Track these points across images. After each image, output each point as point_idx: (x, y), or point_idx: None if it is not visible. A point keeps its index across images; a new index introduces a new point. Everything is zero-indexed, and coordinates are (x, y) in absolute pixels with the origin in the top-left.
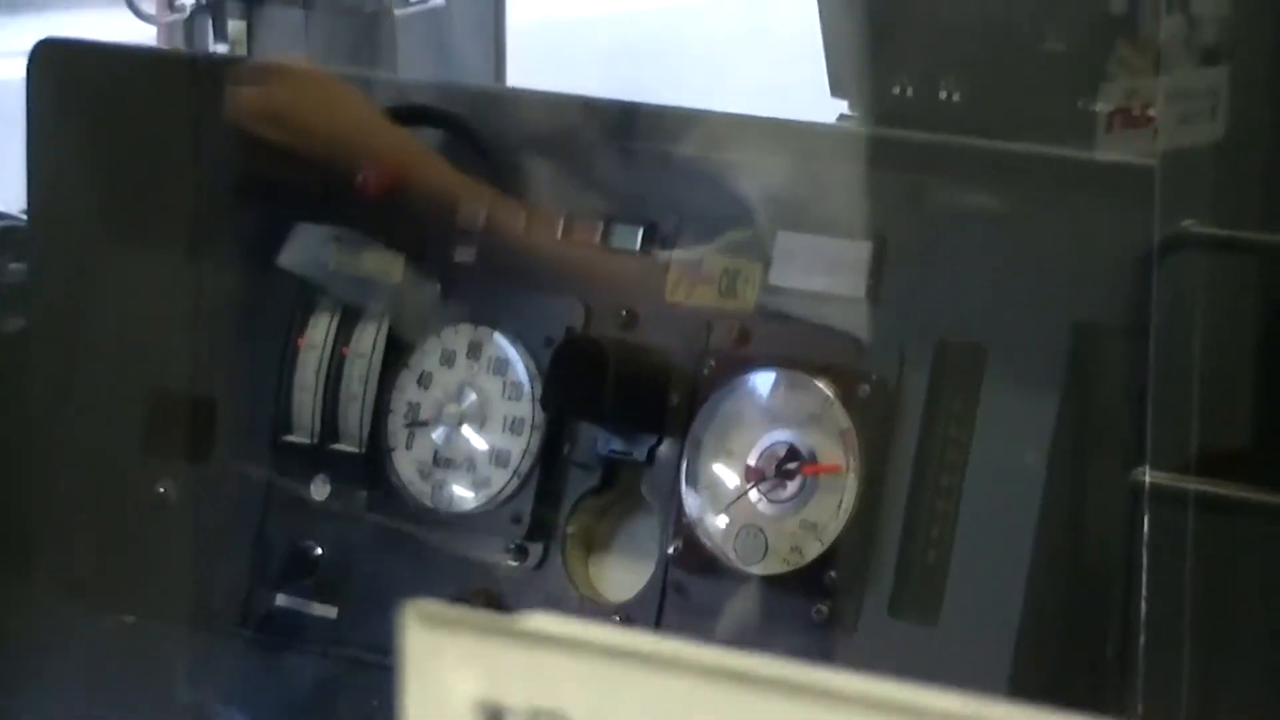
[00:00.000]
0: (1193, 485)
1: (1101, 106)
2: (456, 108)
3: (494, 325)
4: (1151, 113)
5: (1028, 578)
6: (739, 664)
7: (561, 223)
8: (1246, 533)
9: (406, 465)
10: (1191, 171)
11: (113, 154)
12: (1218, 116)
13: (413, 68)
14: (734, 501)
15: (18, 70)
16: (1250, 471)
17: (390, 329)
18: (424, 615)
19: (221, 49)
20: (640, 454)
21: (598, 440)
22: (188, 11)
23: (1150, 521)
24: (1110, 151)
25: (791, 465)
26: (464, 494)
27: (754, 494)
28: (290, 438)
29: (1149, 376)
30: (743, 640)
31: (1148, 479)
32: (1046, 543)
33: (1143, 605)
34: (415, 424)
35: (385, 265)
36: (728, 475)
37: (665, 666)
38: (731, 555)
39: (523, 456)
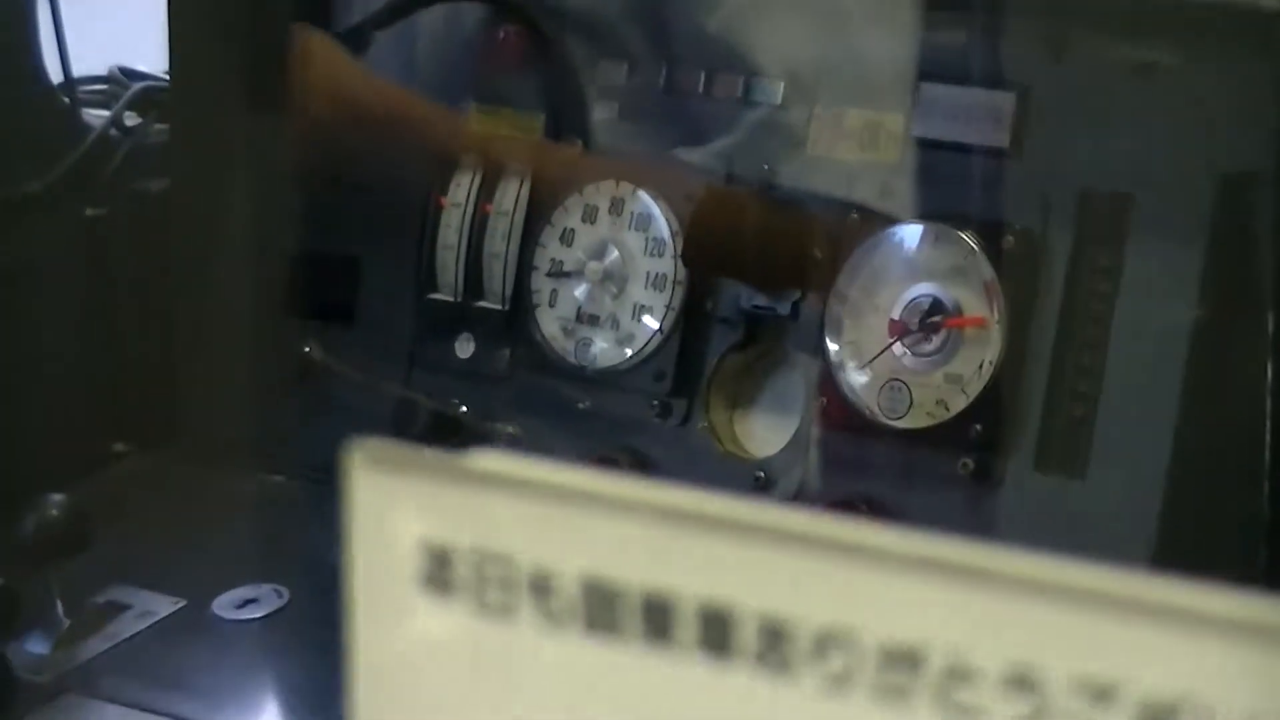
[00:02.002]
0: None
1: None
2: None
3: (636, 181)
4: None
5: (1175, 432)
6: (693, 504)
7: (703, 77)
8: None
9: (550, 322)
10: None
11: (253, 14)
12: None
13: None
14: (878, 355)
15: None
16: None
17: (533, 186)
18: (370, 456)
19: None
20: (784, 309)
21: (740, 296)
22: None
23: None
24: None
25: (935, 318)
26: (607, 351)
27: (898, 348)
28: (435, 296)
29: None
30: (888, 494)
31: None
32: (1194, 396)
33: None
34: (559, 274)
35: (525, 125)
36: (871, 329)
37: (616, 509)
38: (876, 410)
39: (665, 312)
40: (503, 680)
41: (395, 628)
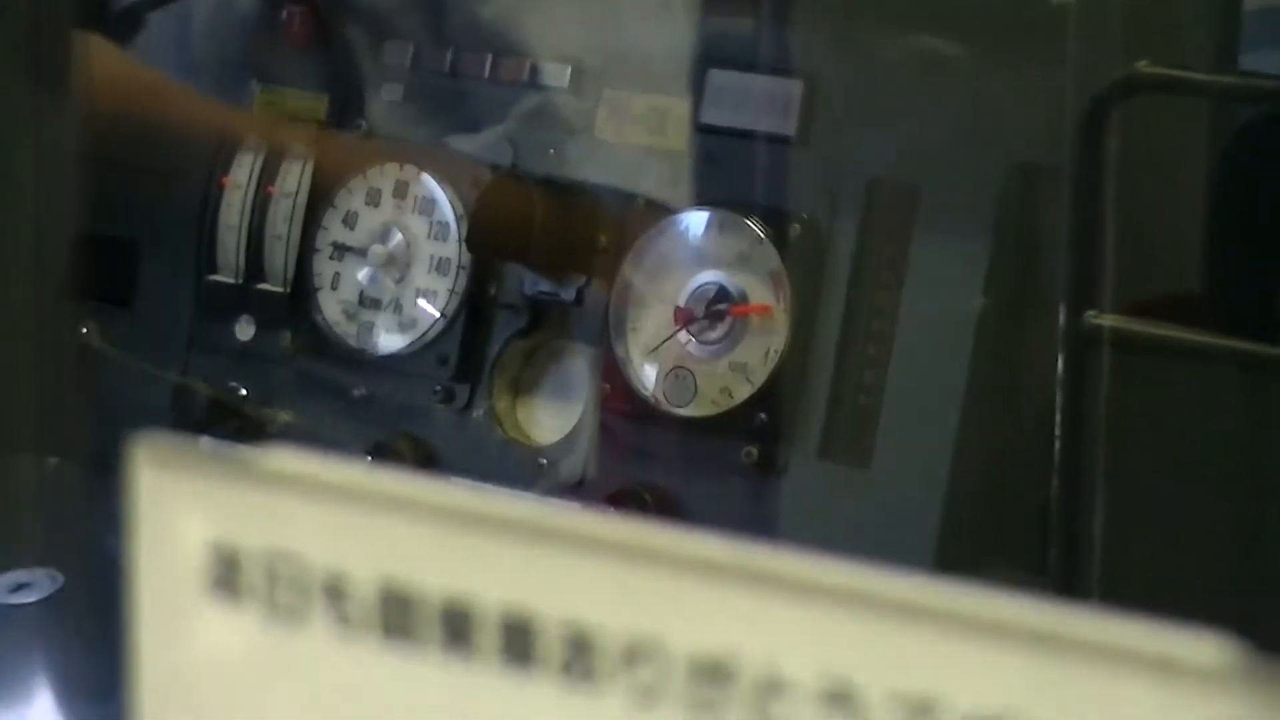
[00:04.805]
0: (1152, 329)
1: None
2: None
3: (420, 164)
4: None
5: (959, 422)
6: (481, 506)
7: (489, 60)
8: (1197, 379)
9: (332, 306)
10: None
11: None
12: None
13: None
14: (663, 343)
15: None
16: (1192, 318)
17: (316, 168)
18: (154, 454)
19: None
20: (568, 295)
21: (525, 281)
22: None
23: (1093, 365)
24: None
25: (721, 306)
26: (390, 336)
27: (683, 335)
28: (215, 277)
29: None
30: (671, 483)
31: (1105, 323)
32: (978, 387)
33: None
34: (342, 249)
35: (310, 107)
36: (657, 317)
37: (414, 510)
38: (660, 398)
39: (449, 297)
40: (296, 690)
41: (182, 634)
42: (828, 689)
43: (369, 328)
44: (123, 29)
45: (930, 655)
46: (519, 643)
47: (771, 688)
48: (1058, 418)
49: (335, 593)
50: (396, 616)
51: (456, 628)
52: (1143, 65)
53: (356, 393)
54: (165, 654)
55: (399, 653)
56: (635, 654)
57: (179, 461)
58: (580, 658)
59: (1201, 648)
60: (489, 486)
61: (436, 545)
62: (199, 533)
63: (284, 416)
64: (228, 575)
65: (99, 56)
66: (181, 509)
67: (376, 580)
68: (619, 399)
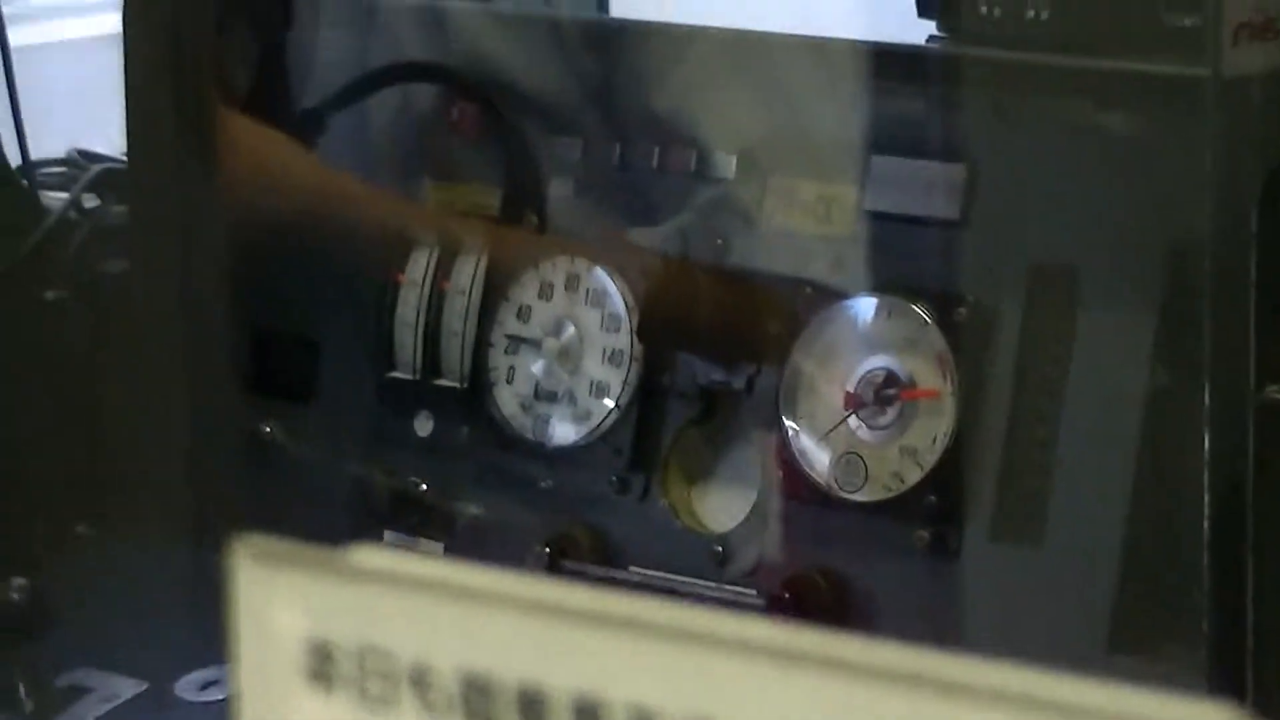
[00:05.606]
0: None
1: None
2: (549, 39)
3: (591, 257)
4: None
5: (1130, 499)
6: (569, 599)
7: (657, 152)
8: None
9: (508, 399)
10: None
11: (209, 93)
12: None
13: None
14: (833, 429)
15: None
16: None
17: (489, 263)
18: (255, 551)
19: None
20: (739, 383)
21: (697, 370)
22: None
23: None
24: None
25: (890, 391)
26: (565, 427)
27: (853, 420)
28: (393, 374)
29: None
30: (845, 567)
31: None
32: (1147, 464)
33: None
34: (517, 340)
35: (482, 201)
36: (827, 402)
37: (493, 602)
38: (832, 483)
39: (622, 388)
40: None
41: None
42: None
43: (544, 420)
44: (306, 130)
45: None
46: None
47: None
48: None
49: (420, 682)
50: (476, 702)
51: (532, 712)
52: None
53: (534, 485)
54: None
55: None
56: None
57: (276, 558)
58: None
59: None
60: (666, 575)
61: (512, 634)
62: (297, 628)
63: (463, 510)
64: (322, 667)
65: (285, 157)
66: (279, 603)
67: (457, 669)
68: (792, 485)
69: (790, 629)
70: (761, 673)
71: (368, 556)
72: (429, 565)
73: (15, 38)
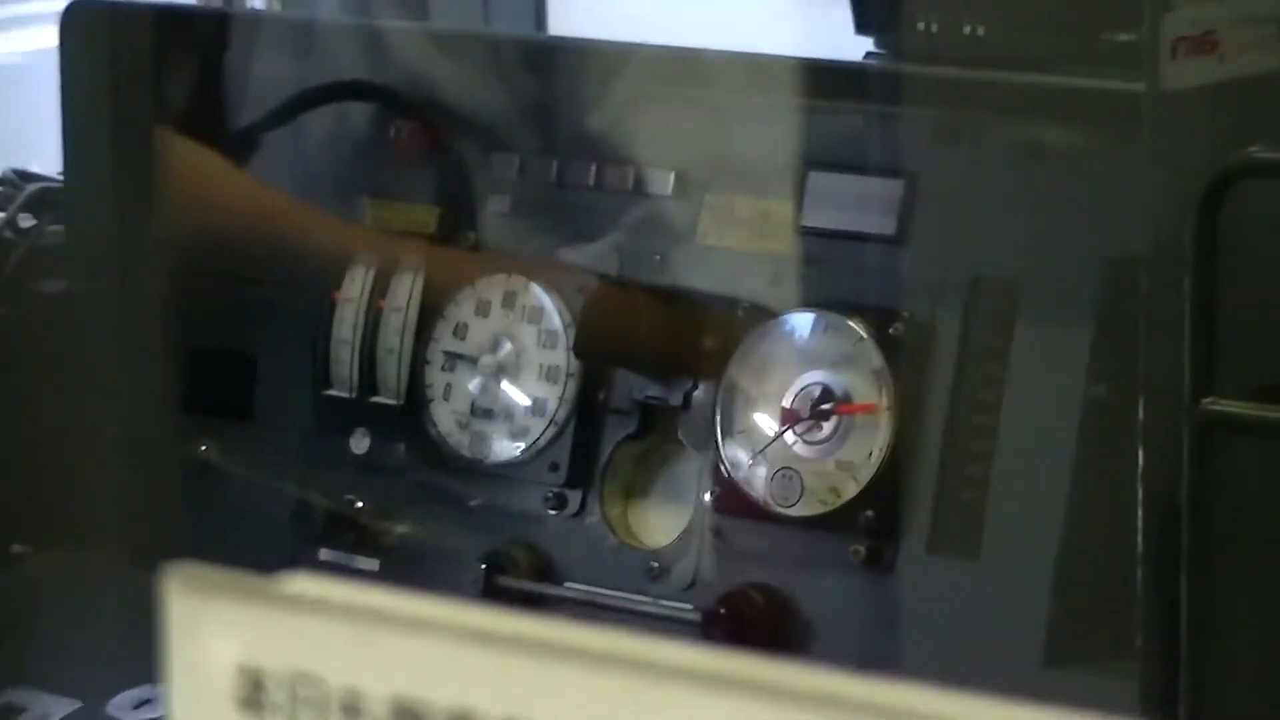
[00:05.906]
0: (1271, 414)
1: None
2: (487, 57)
3: (528, 274)
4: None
5: (1066, 512)
6: (499, 625)
7: (594, 169)
8: None
9: (444, 417)
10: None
11: (146, 113)
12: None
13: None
14: (769, 444)
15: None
16: None
17: (426, 281)
18: (187, 579)
19: (257, 3)
20: (676, 399)
21: (633, 386)
22: None
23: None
24: (1174, 79)
25: (826, 406)
26: (502, 444)
27: (789, 436)
28: (330, 392)
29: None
30: (782, 582)
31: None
32: (1084, 478)
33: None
34: (454, 357)
35: (420, 220)
36: (763, 418)
37: (424, 629)
38: (768, 498)
39: (559, 405)
40: None
41: None
42: None
43: (481, 437)
44: (244, 149)
45: None
46: None
47: None
48: (1182, 506)
49: (351, 709)
50: None
51: None
52: (1255, 151)
53: (471, 502)
54: None
55: None
56: None
57: (208, 587)
58: None
59: None
60: (603, 591)
61: (443, 661)
62: (228, 654)
63: (399, 528)
64: (253, 694)
65: (221, 177)
66: (211, 632)
67: (388, 696)
68: (728, 501)
69: (721, 654)
70: (693, 699)
71: (299, 584)
72: (360, 593)
73: None
